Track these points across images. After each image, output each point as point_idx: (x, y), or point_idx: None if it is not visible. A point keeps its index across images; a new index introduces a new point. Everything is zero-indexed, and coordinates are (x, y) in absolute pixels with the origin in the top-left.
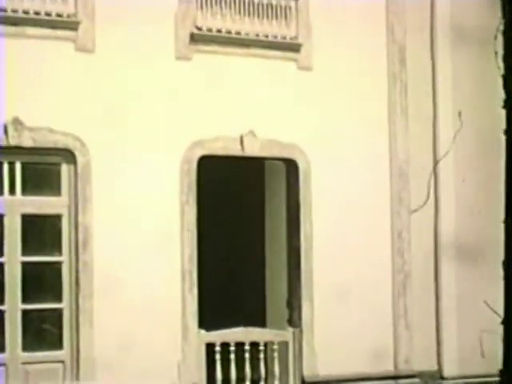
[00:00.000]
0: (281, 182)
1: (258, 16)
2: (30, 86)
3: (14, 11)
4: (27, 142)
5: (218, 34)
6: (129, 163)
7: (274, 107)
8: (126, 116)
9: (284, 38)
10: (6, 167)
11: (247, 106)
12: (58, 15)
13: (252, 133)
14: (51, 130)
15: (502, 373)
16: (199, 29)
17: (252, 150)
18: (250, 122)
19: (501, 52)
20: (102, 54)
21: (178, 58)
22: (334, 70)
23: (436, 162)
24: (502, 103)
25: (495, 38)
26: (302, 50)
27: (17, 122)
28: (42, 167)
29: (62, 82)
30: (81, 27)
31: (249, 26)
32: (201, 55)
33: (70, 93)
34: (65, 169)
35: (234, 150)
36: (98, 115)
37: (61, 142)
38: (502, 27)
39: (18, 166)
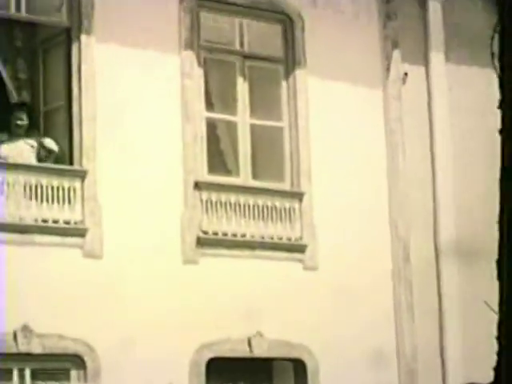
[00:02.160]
0: (289, 381)
1: (263, 218)
2: (39, 292)
3: (22, 219)
4: (37, 349)
5: (224, 238)
6: (137, 367)
7: (280, 308)
8: (135, 322)
9: (289, 239)
10: (15, 374)
11: (254, 308)
12: (66, 222)
13: (260, 334)
14: (61, 336)
15: (495, 372)
16: (205, 233)
17: (260, 350)
18: (258, 323)
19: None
20: (110, 259)
21: (184, 262)
22: (339, 269)
23: (443, 359)
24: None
25: (492, 39)
26: (307, 250)
27: (26, 328)
28: (52, 373)
29: (70, 289)
30: (88, 234)
31: (254, 229)
32: (207, 259)
33: (78, 299)
34: (74, 374)
35: (243, 352)
36: (107, 320)
37: (70, 347)
38: (498, 28)
39: (27, 373)
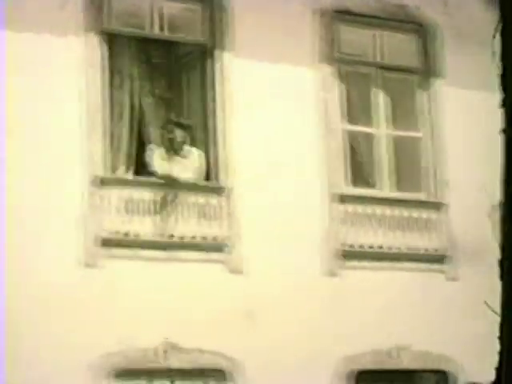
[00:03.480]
0: None
1: (403, 229)
2: (182, 308)
3: (167, 236)
4: (179, 364)
5: (365, 250)
6: (278, 380)
7: (423, 319)
8: (277, 334)
9: (429, 250)
10: None
11: (397, 319)
12: (209, 239)
13: (403, 345)
14: (202, 351)
15: (497, 371)
16: (345, 245)
17: (404, 362)
18: (401, 334)
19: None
20: (252, 274)
21: (325, 275)
22: (481, 280)
23: None
24: None
25: (493, 37)
26: (448, 261)
27: (169, 344)
28: None
29: (212, 304)
30: (231, 249)
31: (394, 240)
32: (348, 271)
33: (221, 314)
34: None
35: (386, 364)
36: (249, 334)
37: (212, 362)
38: (500, 27)
39: None
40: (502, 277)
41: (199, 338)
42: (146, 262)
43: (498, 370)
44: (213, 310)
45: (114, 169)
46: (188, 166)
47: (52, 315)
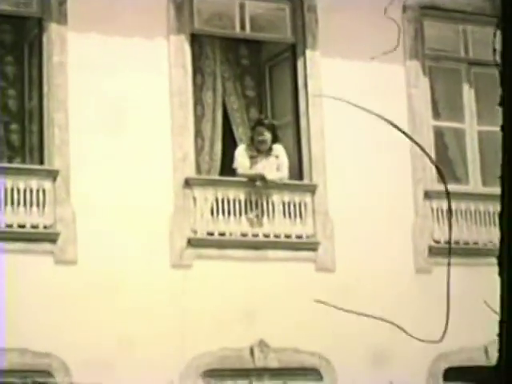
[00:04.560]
0: None
1: (495, 225)
2: (274, 307)
3: (255, 235)
4: (273, 364)
5: (456, 246)
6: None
7: None
8: (369, 333)
9: None
10: None
11: (490, 315)
12: (298, 237)
13: (496, 341)
14: (297, 350)
15: (495, 370)
16: (437, 241)
17: (492, 359)
18: (494, 330)
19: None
20: (342, 273)
21: (417, 272)
22: None
23: None
24: None
25: (494, 35)
26: None
27: (262, 343)
28: None
29: (303, 302)
30: (320, 248)
31: (486, 236)
32: (440, 268)
33: (312, 312)
34: None
35: (479, 361)
36: (342, 334)
37: (307, 361)
38: (501, 24)
39: None
40: (501, 274)
41: (292, 338)
42: (235, 261)
43: (497, 368)
44: (304, 309)
45: (202, 169)
46: (277, 165)
47: (142, 315)
